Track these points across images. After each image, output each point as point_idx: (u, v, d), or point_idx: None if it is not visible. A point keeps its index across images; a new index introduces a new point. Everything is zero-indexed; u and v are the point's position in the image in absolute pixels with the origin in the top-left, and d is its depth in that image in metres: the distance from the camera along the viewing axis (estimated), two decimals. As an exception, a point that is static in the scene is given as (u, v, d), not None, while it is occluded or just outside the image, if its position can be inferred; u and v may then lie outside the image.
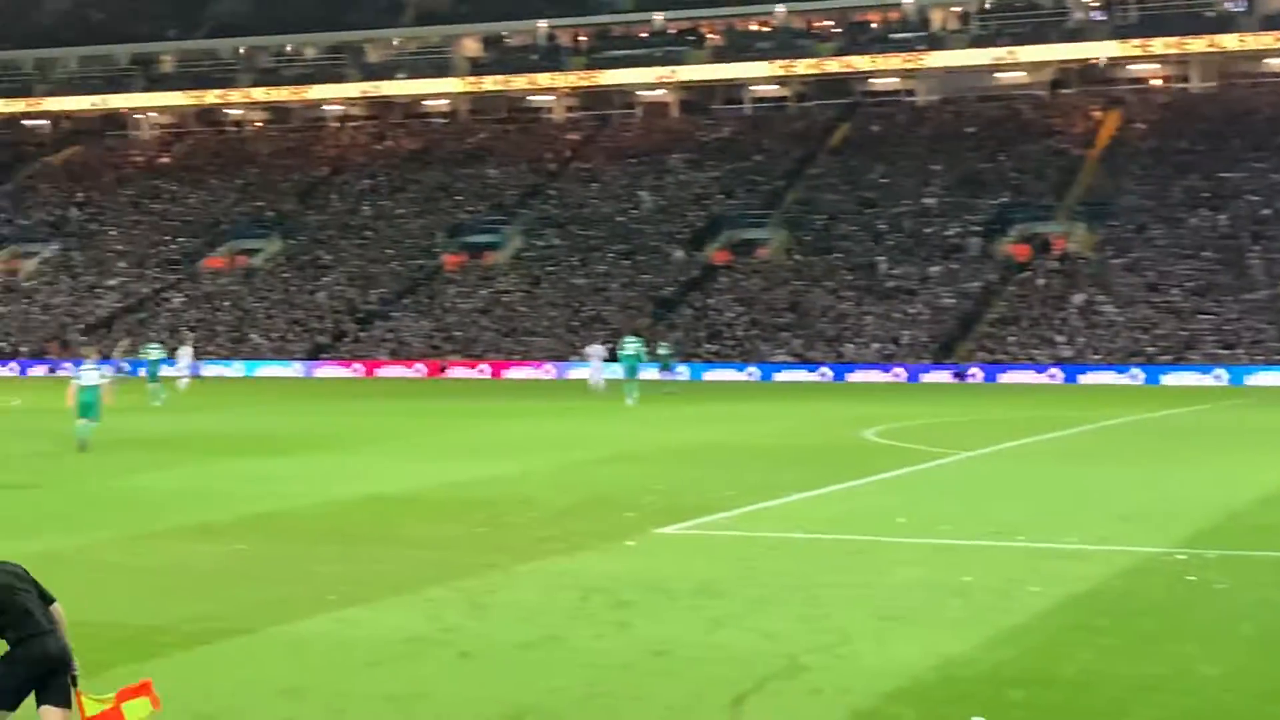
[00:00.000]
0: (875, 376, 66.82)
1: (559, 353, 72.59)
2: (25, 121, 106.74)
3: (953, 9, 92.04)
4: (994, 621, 13.83)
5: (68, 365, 70.86)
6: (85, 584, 16.04)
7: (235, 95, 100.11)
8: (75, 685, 8.72)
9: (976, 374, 65.73)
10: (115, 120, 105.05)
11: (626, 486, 24.62)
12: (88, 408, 32.16)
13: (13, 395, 55.54)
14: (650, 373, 57.83)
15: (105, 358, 53.66)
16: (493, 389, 61.32)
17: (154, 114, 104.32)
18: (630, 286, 77.59)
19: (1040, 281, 72.45)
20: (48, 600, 8.92)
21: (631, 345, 54.32)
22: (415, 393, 57.19)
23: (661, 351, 60.57)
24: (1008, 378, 65.09)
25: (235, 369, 74.40)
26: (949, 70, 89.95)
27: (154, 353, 53.77)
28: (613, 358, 60.51)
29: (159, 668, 12.16)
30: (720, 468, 27.90)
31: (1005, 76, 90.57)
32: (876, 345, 69.64)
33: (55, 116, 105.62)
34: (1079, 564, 17.09)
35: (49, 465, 29.24)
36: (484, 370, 72.08)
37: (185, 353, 60.85)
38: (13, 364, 78.04)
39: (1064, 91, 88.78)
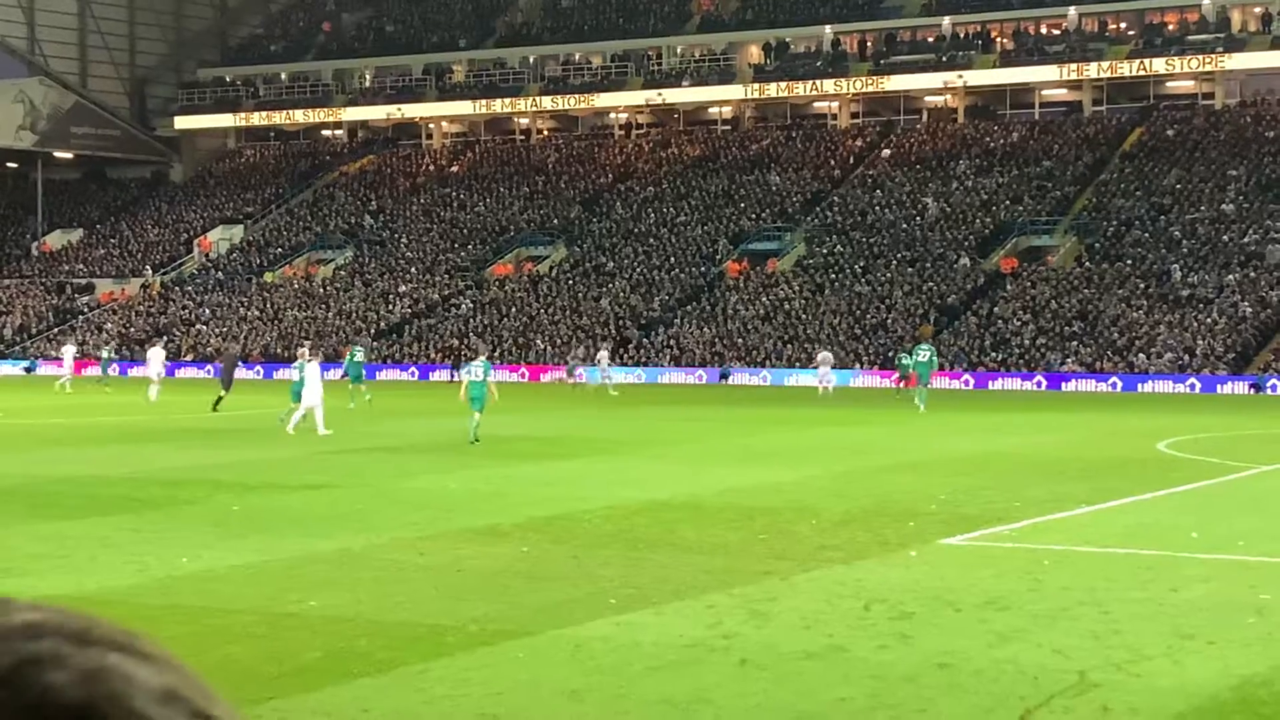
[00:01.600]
0: (1168, 388, 65.06)
1: (842, 360, 72.23)
2: (324, 131, 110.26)
3: (1253, 9, 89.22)
4: (1294, 643, 13.31)
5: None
6: (374, 582, 16.45)
7: (523, 104, 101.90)
8: None
9: (1277, 385, 63.54)
10: (408, 130, 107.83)
11: (908, 495, 24.35)
12: (475, 401, 35.64)
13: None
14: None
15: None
16: (774, 396, 61.27)
17: (445, 123, 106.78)
18: (914, 294, 76.86)
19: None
20: None
21: (924, 351, 54.02)
22: (698, 399, 57.47)
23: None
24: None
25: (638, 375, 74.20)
26: (1249, 72, 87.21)
27: (359, 355, 54.51)
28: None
29: (444, 667, 12.39)
30: (1005, 478, 27.42)
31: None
32: (1170, 355, 67.81)
33: (351, 126, 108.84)
34: (1386, 585, 16.36)
35: (344, 465, 30.07)
36: (766, 377, 72.03)
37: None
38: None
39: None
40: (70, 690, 0.95)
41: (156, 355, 57.94)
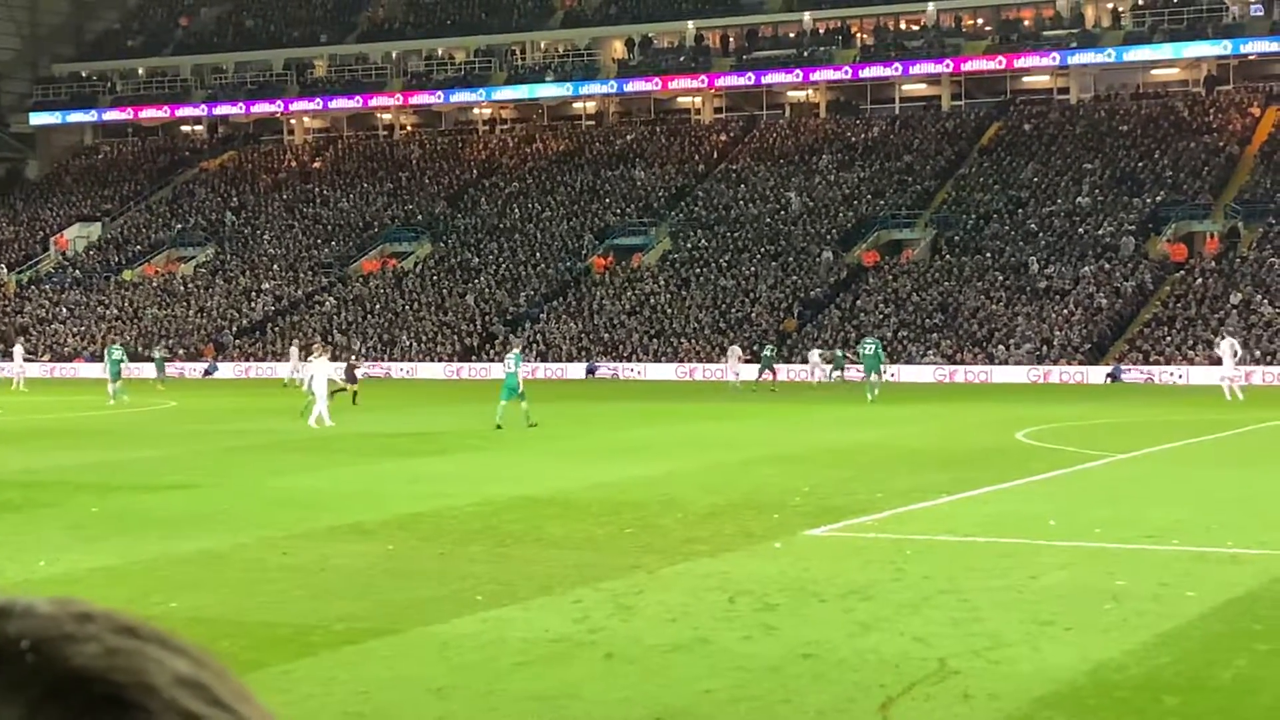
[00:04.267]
0: (1026, 378, 66.01)
1: (706, 354, 72.61)
2: (183, 127, 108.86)
3: (1106, 5, 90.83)
4: (1148, 626, 13.60)
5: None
6: (238, 583, 16.31)
7: (386, 99, 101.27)
8: None
9: (1132, 375, 64.71)
10: (269, 125, 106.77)
11: (774, 488, 24.54)
12: (510, 390, 38.60)
13: (169, 397, 56.63)
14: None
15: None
16: (640, 391, 61.43)
17: (306, 119, 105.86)
18: (778, 288, 77.39)
19: (1197, 281, 71.22)
20: None
21: (870, 345, 55.64)
22: (564, 394, 57.49)
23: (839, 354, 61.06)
24: (1162, 379, 64.00)
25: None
26: (1103, 68, 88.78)
27: (116, 353, 55.82)
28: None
29: (309, 667, 12.33)
30: (868, 470, 27.72)
31: (1160, 73, 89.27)
32: (1028, 346, 68.84)
33: (211, 122, 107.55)
34: (1235, 569, 16.76)
35: (206, 466, 29.75)
36: (632, 372, 72.24)
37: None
38: (170, 366, 79.43)
39: (1221, 88, 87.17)
40: (91, 661, 1.01)
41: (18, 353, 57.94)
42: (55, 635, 1.01)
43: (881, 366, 55.39)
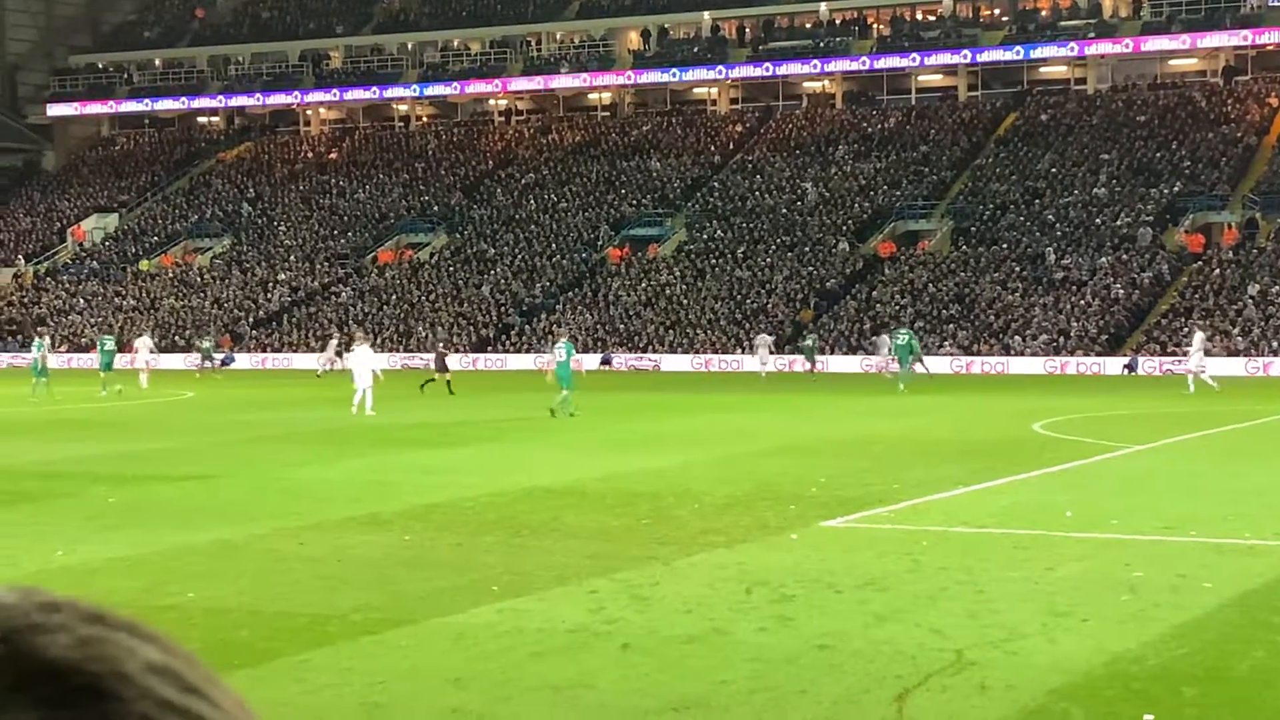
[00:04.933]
0: (1042, 369, 65.90)
1: (722, 345, 72.61)
2: (199, 119, 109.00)
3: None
4: (1165, 618, 13.57)
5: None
6: (256, 573, 16.33)
7: (401, 90, 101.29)
8: None
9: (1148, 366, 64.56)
10: (285, 117, 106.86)
11: (790, 479, 24.52)
12: (564, 380, 39.24)
13: (187, 388, 56.72)
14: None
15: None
16: (656, 382, 61.42)
17: (323, 110, 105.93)
18: (794, 279, 77.32)
19: (1214, 272, 71.06)
20: None
21: (904, 335, 55.62)
22: (579, 385, 57.42)
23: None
24: (1180, 370, 63.84)
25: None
26: (1121, 58, 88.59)
27: (109, 344, 55.97)
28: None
29: (325, 656, 12.34)
30: (884, 461, 27.68)
31: (1178, 63, 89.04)
32: (1044, 337, 68.72)
33: (227, 113, 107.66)
34: (1252, 560, 16.72)
35: (222, 456, 29.79)
36: (648, 363, 72.25)
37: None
38: (187, 356, 79.53)
39: (1239, 78, 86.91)
40: (65, 652, 1.00)
41: (144, 344, 59.09)
42: (24, 625, 1.01)
43: (912, 357, 55.15)
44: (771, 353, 64.10)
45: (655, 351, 73.31)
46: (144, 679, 1.01)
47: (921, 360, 56.39)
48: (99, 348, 54.26)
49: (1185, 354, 55.62)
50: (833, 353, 68.91)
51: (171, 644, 1.06)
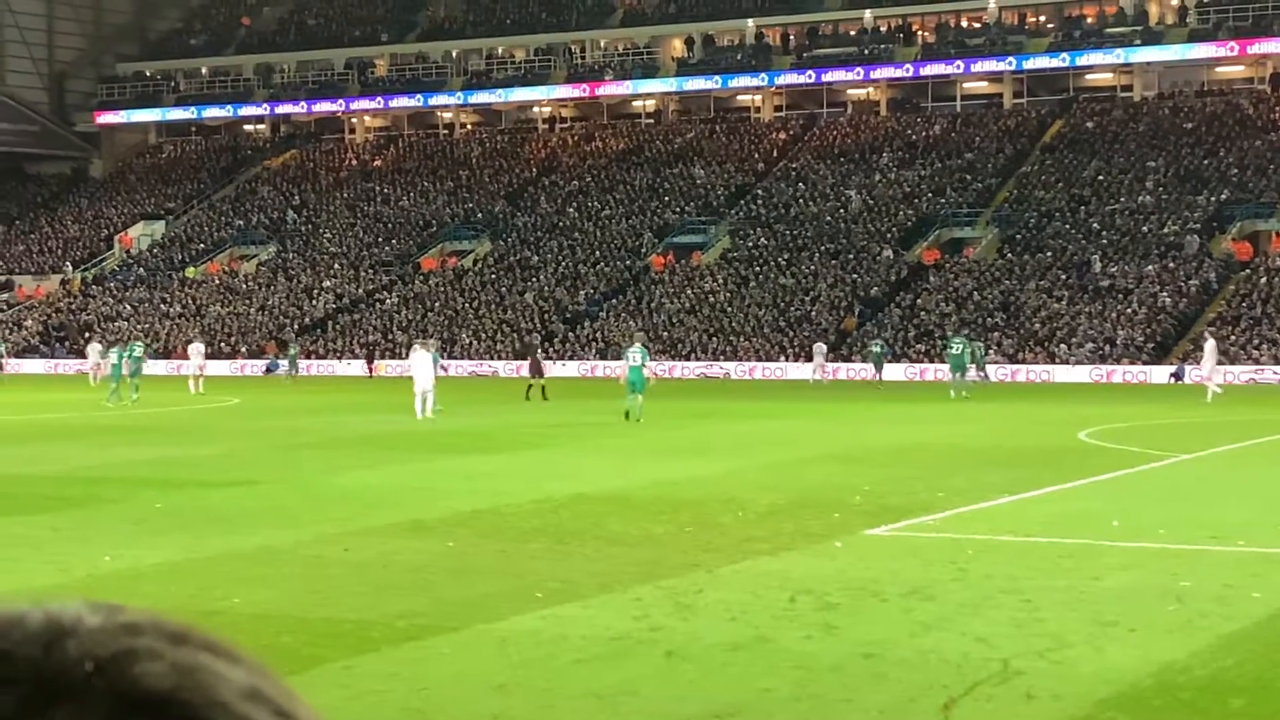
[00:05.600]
0: (1088, 377, 65.60)
1: (765, 353, 72.54)
2: (245, 126, 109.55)
3: (1170, 2, 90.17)
4: (1213, 628, 13.47)
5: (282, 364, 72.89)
6: (300, 579, 16.37)
7: (446, 98, 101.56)
8: None
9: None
10: (330, 124, 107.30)
11: (834, 487, 24.45)
12: (634, 385, 39.81)
13: (231, 394, 56.97)
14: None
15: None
16: (699, 389, 61.39)
17: (368, 118, 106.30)
18: (838, 286, 77.19)
19: (1262, 280, 70.60)
20: None
21: (958, 345, 55.65)
22: (622, 392, 57.41)
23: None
24: (1228, 378, 63.47)
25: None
26: (1167, 65, 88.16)
27: (138, 350, 55.74)
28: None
29: (369, 662, 12.35)
30: (928, 468, 27.57)
31: (1224, 70, 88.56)
32: (1090, 346, 68.41)
33: (273, 121, 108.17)
34: (1303, 570, 16.58)
35: (267, 462, 29.89)
36: (719, 370, 72.16)
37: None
38: (232, 363, 79.97)
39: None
40: (159, 680, 0.99)
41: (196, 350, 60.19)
42: (116, 652, 0.99)
43: (969, 365, 55.18)
44: (827, 360, 64.34)
45: (698, 359, 73.21)
46: (240, 706, 1.01)
47: (982, 369, 56.21)
48: (128, 354, 54.70)
49: (1198, 363, 55.44)
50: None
51: (254, 662, 1.05)
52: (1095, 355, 67.73)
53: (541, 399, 49.65)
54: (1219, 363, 53.19)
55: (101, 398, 51.57)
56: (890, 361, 66.30)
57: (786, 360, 71.28)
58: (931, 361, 68.98)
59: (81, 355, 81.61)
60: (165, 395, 53.46)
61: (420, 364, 42.26)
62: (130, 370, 53.55)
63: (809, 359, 65.50)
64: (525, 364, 53.62)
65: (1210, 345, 52.71)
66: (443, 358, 60.81)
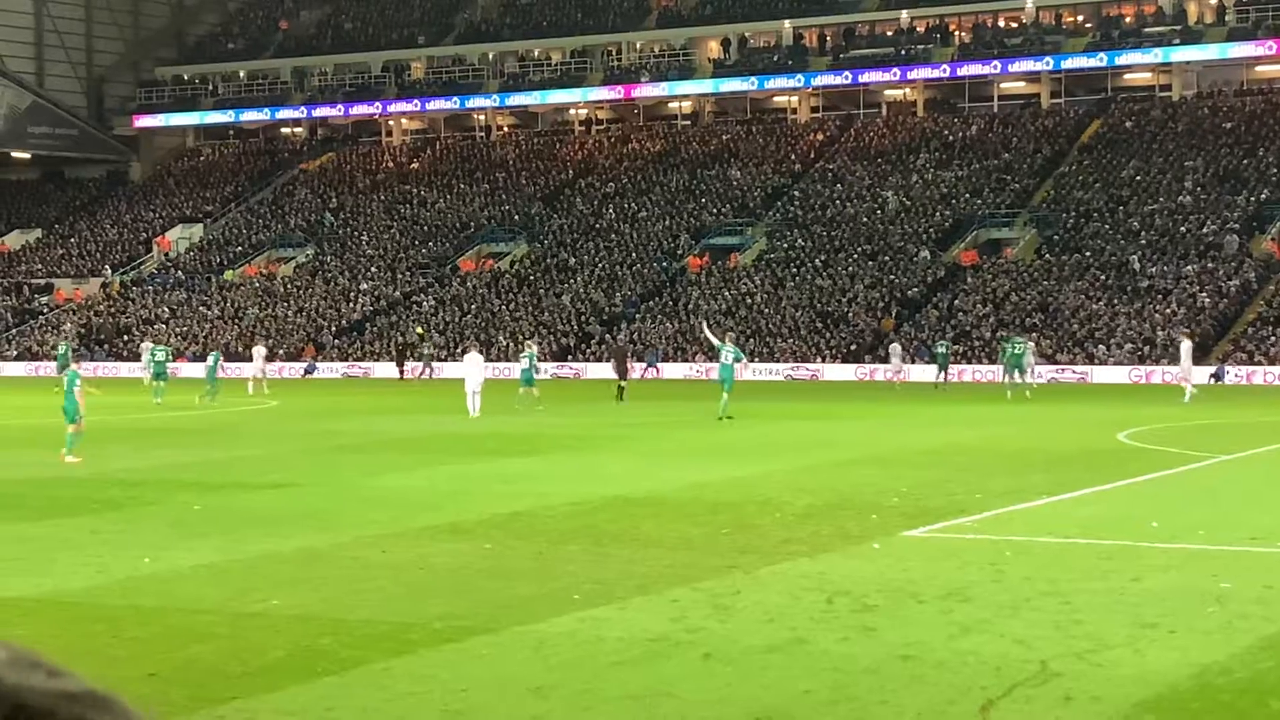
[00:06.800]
0: (1127, 378, 65.31)
1: (802, 354, 72.43)
2: (282, 129, 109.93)
3: (1209, 1, 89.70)
4: (1253, 629, 13.40)
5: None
6: (340, 581, 16.42)
7: (483, 101, 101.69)
8: None
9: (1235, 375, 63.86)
10: (367, 127, 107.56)
11: (871, 488, 24.42)
12: (726, 382, 40.58)
13: (271, 396, 57.14)
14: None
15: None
16: (736, 390, 61.25)
17: (404, 120, 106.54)
18: (875, 287, 77.03)
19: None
20: None
21: (1020, 343, 55.98)
22: (659, 394, 57.43)
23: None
24: (1268, 379, 63.12)
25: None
26: (1206, 64, 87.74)
27: (160, 354, 55.93)
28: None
29: (408, 664, 12.39)
30: (966, 470, 27.50)
31: (1264, 69, 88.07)
32: (1129, 346, 68.11)
33: (310, 124, 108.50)
34: (1344, 572, 16.48)
35: (305, 465, 29.99)
36: (805, 372, 71.97)
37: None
38: (272, 365, 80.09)
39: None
40: None
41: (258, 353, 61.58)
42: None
43: (1024, 364, 55.22)
44: (904, 361, 64.34)
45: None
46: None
47: (1029, 371, 55.98)
48: (149, 356, 54.72)
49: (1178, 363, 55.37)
50: (913, 362, 68.39)
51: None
52: (1134, 356, 67.43)
53: (617, 399, 50.04)
54: (1212, 361, 53.05)
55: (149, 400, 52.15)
56: (954, 362, 66.02)
57: (823, 362, 71.15)
58: (970, 363, 68.76)
59: (120, 357, 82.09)
60: (228, 397, 53.55)
61: (472, 365, 44.35)
62: (153, 373, 53.79)
63: (852, 361, 65.12)
64: (610, 365, 53.87)
65: (1186, 346, 52.70)
66: (486, 360, 60.99)
